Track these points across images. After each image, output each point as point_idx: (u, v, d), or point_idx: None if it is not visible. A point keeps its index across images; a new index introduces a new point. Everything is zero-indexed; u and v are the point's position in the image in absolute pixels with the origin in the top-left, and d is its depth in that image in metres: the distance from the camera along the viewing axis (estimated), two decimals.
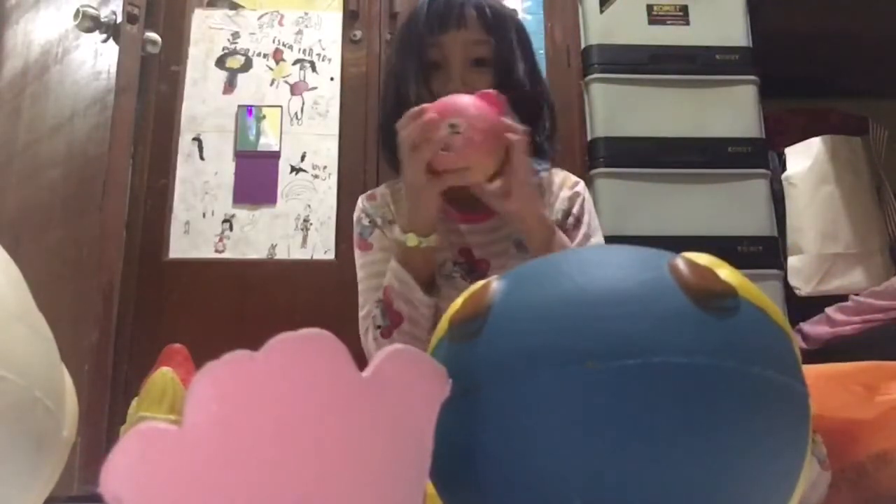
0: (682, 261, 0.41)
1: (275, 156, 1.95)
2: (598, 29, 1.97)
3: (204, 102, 1.97)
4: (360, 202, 1.05)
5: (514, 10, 1.06)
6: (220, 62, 2.01)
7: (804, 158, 1.99)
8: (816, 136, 2.01)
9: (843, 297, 1.78)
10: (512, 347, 0.39)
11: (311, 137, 1.97)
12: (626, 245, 0.45)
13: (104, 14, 1.64)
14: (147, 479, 0.31)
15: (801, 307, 1.85)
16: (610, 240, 1.07)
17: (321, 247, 1.90)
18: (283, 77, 2.02)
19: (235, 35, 2.04)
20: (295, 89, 2.01)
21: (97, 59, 1.69)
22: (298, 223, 1.91)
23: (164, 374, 0.68)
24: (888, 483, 0.67)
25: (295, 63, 2.03)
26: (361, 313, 0.98)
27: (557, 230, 0.91)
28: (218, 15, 2.06)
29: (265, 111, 1.98)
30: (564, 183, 1.03)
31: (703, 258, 0.42)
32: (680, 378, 0.36)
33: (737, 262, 0.43)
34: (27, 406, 0.41)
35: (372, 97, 1.99)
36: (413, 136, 0.83)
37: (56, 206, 1.70)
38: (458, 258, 0.98)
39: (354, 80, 2.02)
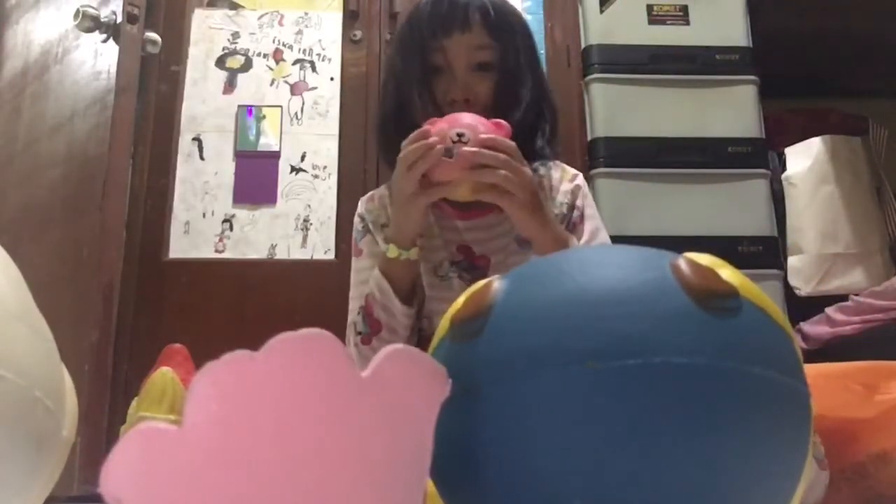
0: (683, 261, 0.41)
1: (275, 156, 1.95)
2: (598, 29, 1.97)
3: (204, 102, 1.97)
4: (360, 205, 1.04)
5: (518, 11, 1.04)
6: (220, 62, 2.01)
7: (804, 158, 1.99)
8: (816, 136, 2.01)
9: (843, 297, 1.78)
10: (513, 347, 0.39)
11: (311, 137, 1.97)
12: (628, 245, 0.45)
13: (104, 14, 1.64)
14: (147, 479, 0.31)
15: (801, 307, 1.85)
16: (610, 240, 1.07)
17: (321, 247, 1.90)
18: (283, 77, 2.02)
19: (235, 35, 2.04)
20: (295, 89, 2.01)
21: (97, 59, 1.69)
22: (298, 223, 1.91)
23: (164, 374, 0.69)
24: (888, 483, 0.67)
25: (295, 63, 2.03)
26: (349, 318, 0.97)
27: (562, 229, 0.90)
28: (218, 15, 2.06)
29: (265, 111, 1.98)
30: (564, 176, 1.02)
31: (704, 258, 0.42)
32: (681, 378, 0.36)
33: (737, 262, 0.43)
34: (27, 406, 0.41)
35: (372, 97, 1.99)
36: (413, 155, 0.81)
37: (56, 206, 1.70)
38: (455, 256, 0.97)
39: (354, 80, 2.02)
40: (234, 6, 2.07)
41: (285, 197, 1.93)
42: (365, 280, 0.96)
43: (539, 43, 1.98)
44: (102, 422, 1.45)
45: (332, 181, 1.94)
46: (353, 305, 0.97)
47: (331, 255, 1.89)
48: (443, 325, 0.46)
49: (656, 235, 1.76)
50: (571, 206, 0.99)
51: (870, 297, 1.69)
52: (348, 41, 2.05)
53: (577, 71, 1.98)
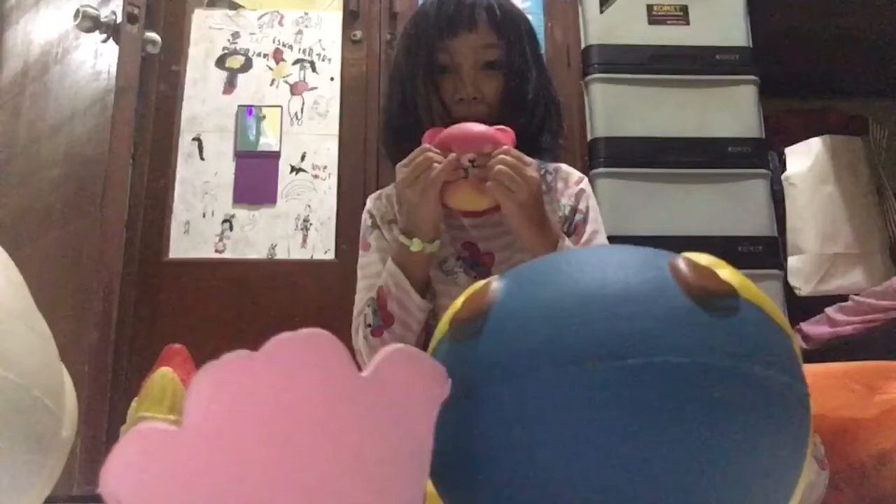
0: (682, 261, 0.41)
1: (275, 156, 1.95)
2: (598, 29, 1.97)
3: (204, 102, 1.97)
4: (368, 202, 1.06)
5: (522, 11, 1.05)
6: (220, 62, 2.01)
7: (804, 158, 1.99)
8: (816, 136, 2.01)
9: (843, 297, 1.78)
10: (512, 347, 0.39)
11: (311, 137, 1.97)
12: (627, 245, 0.45)
13: (104, 14, 1.64)
14: (147, 479, 0.31)
15: (801, 307, 1.85)
16: (610, 240, 1.07)
17: (321, 247, 1.90)
18: (283, 77, 2.02)
19: (235, 35, 2.04)
20: (295, 89, 2.01)
21: (97, 59, 1.69)
22: (298, 223, 1.91)
23: (164, 374, 0.68)
24: (889, 483, 0.67)
25: (295, 63, 2.03)
26: (354, 311, 0.98)
27: (554, 231, 0.91)
28: (218, 15, 2.06)
29: (265, 111, 1.98)
30: (569, 179, 1.03)
31: (703, 258, 0.42)
32: (680, 378, 0.36)
33: (737, 262, 0.43)
34: (27, 405, 0.41)
35: (372, 97, 1.99)
36: (417, 169, 0.85)
37: (56, 206, 1.70)
38: (461, 253, 0.98)
39: (354, 80, 2.02)
40: (234, 6, 2.07)
41: (285, 197, 1.93)
42: (373, 274, 0.97)
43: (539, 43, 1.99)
44: (102, 422, 1.45)
45: (332, 181, 1.94)
46: (360, 298, 0.98)
47: (331, 255, 1.89)
48: (442, 325, 0.46)
49: (656, 235, 1.76)
50: (574, 209, 1.00)
51: (870, 297, 1.69)
52: (348, 41, 2.05)
53: (577, 71, 1.98)
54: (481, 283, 0.45)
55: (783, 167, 2.02)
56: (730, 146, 1.90)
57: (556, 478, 0.37)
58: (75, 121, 1.71)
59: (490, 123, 0.88)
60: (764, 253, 1.84)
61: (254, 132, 1.96)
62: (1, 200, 1.84)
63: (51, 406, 0.43)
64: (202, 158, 1.94)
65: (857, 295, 1.74)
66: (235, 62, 2.02)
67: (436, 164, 0.85)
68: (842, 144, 2.00)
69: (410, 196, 0.87)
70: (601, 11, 1.96)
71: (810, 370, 0.42)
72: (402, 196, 0.91)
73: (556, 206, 1.00)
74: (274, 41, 2.04)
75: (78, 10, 1.60)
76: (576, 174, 1.05)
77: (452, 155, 0.85)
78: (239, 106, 1.98)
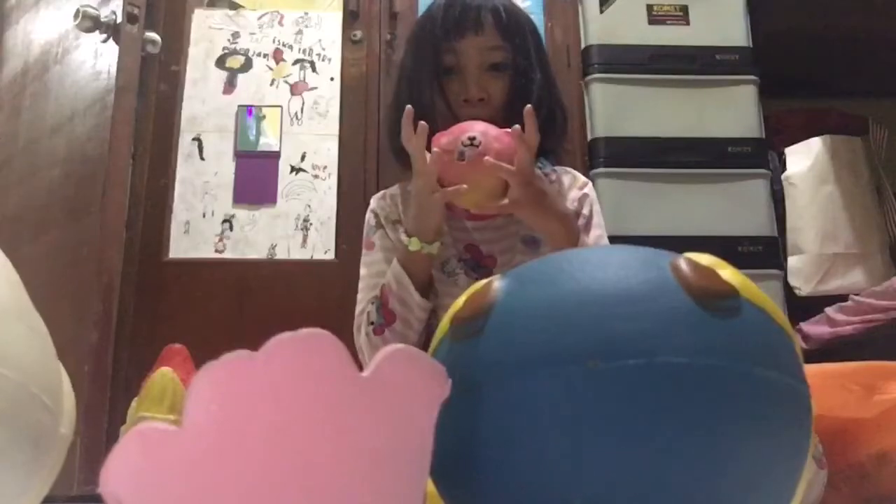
0: (683, 261, 0.41)
1: (275, 156, 1.95)
2: (598, 29, 1.97)
3: (204, 102, 1.97)
4: (372, 201, 1.07)
5: (527, 13, 1.05)
6: (220, 62, 2.01)
7: (804, 158, 1.99)
8: (816, 136, 2.01)
9: (843, 297, 1.78)
10: (513, 347, 0.39)
11: (311, 137, 1.97)
12: (627, 245, 0.45)
13: (104, 14, 1.63)
14: (147, 479, 0.31)
15: (801, 307, 1.85)
16: (610, 240, 1.07)
17: (321, 247, 1.90)
18: (283, 77, 2.01)
19: (235, 35, 2.04)
20: (295, 89, 2.01)
21: (97, 59, 1.69)
22: (298, 223, 1.91)
23: (164, 374, 0.69)
24: (888, 483, 0.67)
25: (295, 63, 2.03)
26: (357, 309, 0.99)
27: (573, 222, 0.92)
28: (218, 15, 2.06)
29: (265, 111, 1.98)
30: (573, 184, 1.04)
31: (704, 258, 0.42)
32: (681, 378, 0.36)
33: (737, 262, 0.43)
34: (24, 402, 0.41)
35: (372, 97, 1.99)
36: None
37: (56, 206, 1.70)
38: (463, 255, 0.99)
39: (354, 80, 2.02)
40: (234, 6, 2.07)
41: (285, 197, 1.93)
42: (377, 273, 0.98)
43: None
44: (102, 422, 1.45)
45: (332, 181, 1.94)
46: (363, 296, 0.99)
47: (331, 256, 1.89)
48: (443, 324, 0.46)
49: (656, 235, 1.76)
50: (577, 214, 1.01)
51: (870, 297, 1.69)
52: (348, 41, 2.05)
53: (577, 71, 1.98)
54: (482, 282, 0.45)
55: (783, 167, 2.02)
56: (730, 146, 1.90)
57: (556, 478, 0.37)
58: (75, 121, 1.71)
59: (496, 125, 0.88)
60: (764, 253, 1.84)
61: (254, 132, 1.96)
62: (1, 200, 1.84)
63: (49, 403, 0.43)
64: (202, 158, 1.94)
65: (857, 295, 1.74)
66: (235, 62, 2.02)
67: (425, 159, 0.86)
68: (842, 144, 2.00)
69: (419, 193, 0.88)
70: (601, 11, 1.96)
71: (809, 370, 0.42)
72: (414, 198, 0.91)
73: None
74: (274, 41, 2.04)
75: (78, 10, 1.60)
76: (581, 178, 1.06)
77: (436, 150, 0.85)
78: (239, 106, 1.98)
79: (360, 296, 1.00)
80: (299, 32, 2.05)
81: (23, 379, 0.41)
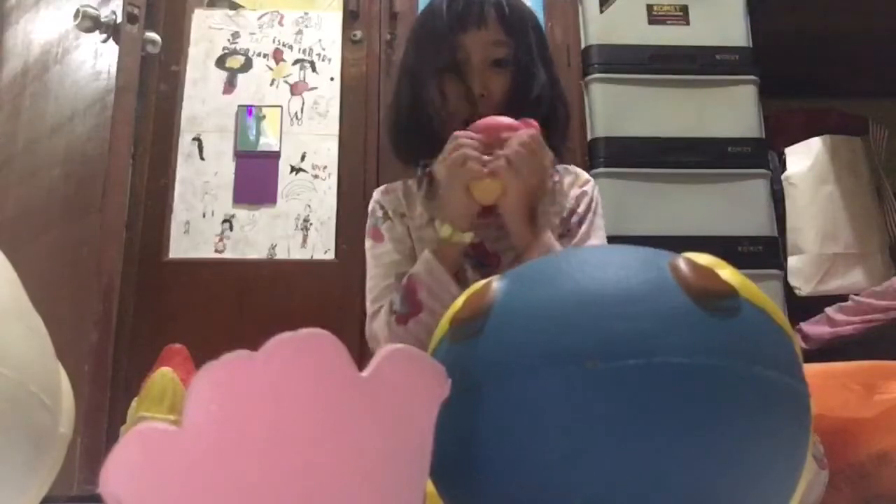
0: (682, 261, 0.41)
1: (275, 156, 1.95)
2: (598, 29, 1.97)
3: (204, 102, 1.97)
4: (376, 194, 1.07)
5: (530, 9, 1.06)
6: (220, 62, 2.01)
7: (804, 158, 1.99)
8: (816, 136, 2.01)
9: (843, 297, 1.78)
10: (512, 347, 0.39)
11: (311, 137, 1.97)
12: (627, 245, 0.45)
13: (104, 14, 1.63)
14: (147, 479, 0.31)
15: (801, 307, 1.85)
16: (610, 240, 1.07)
17: (321, 247, 1.90)
18: (283, 77, 2.02)
19: (235, 35, 2.04)
20: (295, 89, 2.01)
21: (97, 59, 1.69)
22: (298, 223, 1.91)
23: (164, 374, 0.68)
24: (889, 482, 0.67)
25: (295, 63, 2.03)
26: (369, 298, 0.99)
27: (546, 238, 0.92)
28: (218, 15, 2.06)
29: (265, 111, 1.98)
30: (575, 182, 1.04)
31: (703, 258, 0.42)
32: (681, 378, 0.36)
33: (737, 262, 0.43)
34: (23, 401, 0.41)
35: (372, 97, 1.99)
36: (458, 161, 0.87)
37: (56, 206, 1.70)
38: (468, 252, 0.98)
39: (354, 80, 2.02)
40: (234, 6, 2.07)
41: (285, 197, 1.93)
42: (389, 263, 0.98)
43: None
44: (102, 422, 1.45)
45: (332, 181, 1.94)
46: (375, 284, 0.99)
47: (331, 255, 1.89)
48: (442, 325, 0.46)
49: (656, 235, 1.76)
50: (573, 211, 1.00)
51: (870, 297, 1.69)
52: (348, 41, 2.05)
53: (577, 71, 1.98)
54: (482, 282, 0.45)
55: (783, 167, 2.02)
56: (730, 146, 1.90)
57: (556, 478, 0.37)
58: (75, 121, 1.71)
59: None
60: (764, 253, 1.84)
61: (254, 132, 1.96)
62: (1, 200, 1.84)
63: (47, 402, 0.43)
64: (202, 158, 1.94)
65: (857, 295, 1.74)
66: (235, 62, 2.02)
67: (470, 158, 0.87)
68: (842, 144, 2.00)
69: (449, 189, 0.89)
70: (601, 11, 1.96)
71: (809, 370, 0.42)
72: (442, 189, 0.92)
73: (560, 208, 1.00)
74: (274, 41, 2.04)
75: (78, 10, 1.60)
76: (583, 177, 1.06)
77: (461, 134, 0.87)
78: (239, 106, 1.98)
79: (370, 284, 1.00)
80: (299, 32, 2.05)
81: (22, 378, 0.41)
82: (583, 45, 1.99)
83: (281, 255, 1.89)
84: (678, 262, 0.41)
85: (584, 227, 0.99)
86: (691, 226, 1.82)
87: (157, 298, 1.82)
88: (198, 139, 1.95)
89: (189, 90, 1.98)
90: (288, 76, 2.02)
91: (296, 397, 0.33)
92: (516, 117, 0.91)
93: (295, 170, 1.95)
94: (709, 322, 0.38)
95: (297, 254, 1.89)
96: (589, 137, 1.92)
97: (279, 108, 1.98)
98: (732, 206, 1.86)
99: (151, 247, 1.85)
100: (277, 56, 2.03)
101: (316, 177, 1.94)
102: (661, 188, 1.85)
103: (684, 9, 1.99)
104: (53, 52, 1.84)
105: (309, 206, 1.92)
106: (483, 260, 0.98)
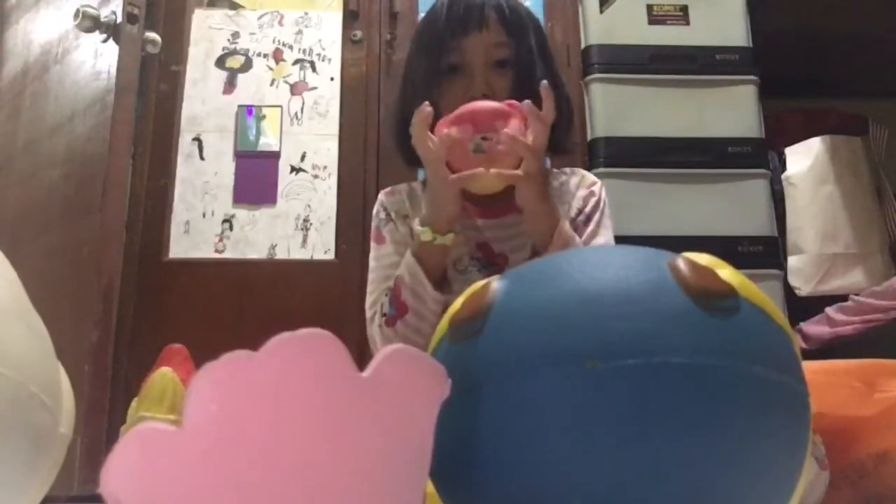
0: (682, 261, 0.41)
1: (275, 156, 1.95)
2: (598, 29, 1.97)
3: (204, 102, 1.97)
4: (380, 196, 1.07)
5: (530, 9, 1.06)
6: (220, 62, 2.01)
7: (804, 158, 1.99)
8: (816, 136, 2.01)
9: (843, 297, 1.78)
10: (512, 347, 0.39)
11: (311, 137, 1.97)
12: (627, 245, 0.45)
13: (104, 14, 1.63)
14: (147, 479, 0.31)
15: (801, 307, 1.85)
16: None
17: (321, 247, 1.90)
18: (283, 77, 2.02)
19: (235, 35, 2.04)
20: (295, 89, 2.01)
21: (97, 59, 1.69)
22: (298, 223, 1.91)
23: (164, 374, 0.69)
24: (889, 482, 0.67)
25: (295, 63, 2.03)
26: (368, 301, 0.99)
27: (565, 225, 0.91)
28: (218, 15, 2.06)
29: (265, 111, 1.98)
30: (582, 183, 1.04)
31: (703, 258, 0.42)
32: (680, 378, 0.36)
33: (737, 262, 0.43)
34: (23, 401, 0.41)
35: (372, 97, 1.99)
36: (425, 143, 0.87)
37: (56, 206, 1.70)
38: (475, 253, 0.99)
39: (354, 80, 2.02)
40: (234, 6, 2.07)
41: (285, 197, 1.93)
42: (388, 265, 0.98)
43: None
44: (102, 422, 1.45)
45: (332, 181, 1.94)
46: (374, 287, 0.99)
47: (331, 255, 1.89)
48: (442, 325, 0.46)
49: (656, 235, 1.76)
50: (580, 211, 1.00)
51: (870, 297, 1.69)
52: (348, 41, 2.05)
53: (577, 71, 1.98)
54: (481, 282, 0.45)
55: (783, 167, 2.02)
56: (730, 146, 1.90)
57: (556, 478, 0.37)
58: (75, 121, 1.70)
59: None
60: (764, 253, 1.84)
61: (254, 132, 1.96)
62: (1, 200, 1.84)
63: (48, 402, 0.43)
64: (202, 158, 1.94)
65: (857, 295, 1.73)
66: (235, 62, 2.02)
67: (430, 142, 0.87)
68: (842, 144, 2.00)
69: (432, 182, 0.89)
70: (601, 11, 1.96)
71: (810, 368, 0.42)
72: (428, 189, 0.92)
73: (567, 208, 1.00)
74: (274, 41, 2.04)
75: (78, 10, 1.60)
76: (590, 178, 1.06)
77: (445, 130, 0.86)
78: (239, 106, 1.98)
79: (370, 287, 1.00)
80: (299, 32, 2.05)
81: (22, 378, 0.41)
82: (583, 45, 1.99)
83: (281, 255, 1.89)
84: (678, 262, 0.41)
85: (590, 226, 1.00)
86: (691, 226, 1.82)
87: (157, 298, 1.82)
88: (198, 139, 1.95)
89: (189, 90, 1.98)
90: (288, 76, 2.02)
91: (296, 397, 0.33)
92: None
93: (295, 170, 1.95)
94: (708, 322, 0.38)
95: (297, 254, 1.89)
96: (589, 137, 1.92)
97: (279, 108, 1.98)
98: (732, 206, 1.86)
99: (151, 247, 1.85)
100: (277, 56, 2.03)
101: (316, 177, 1.94)
102: (661, 188, 1.85)
103: (684, 9, 1.99)
104: (53, 52, 1.84)
105: (309, 206, 1.92)
106: (490, 260, 0.98)
